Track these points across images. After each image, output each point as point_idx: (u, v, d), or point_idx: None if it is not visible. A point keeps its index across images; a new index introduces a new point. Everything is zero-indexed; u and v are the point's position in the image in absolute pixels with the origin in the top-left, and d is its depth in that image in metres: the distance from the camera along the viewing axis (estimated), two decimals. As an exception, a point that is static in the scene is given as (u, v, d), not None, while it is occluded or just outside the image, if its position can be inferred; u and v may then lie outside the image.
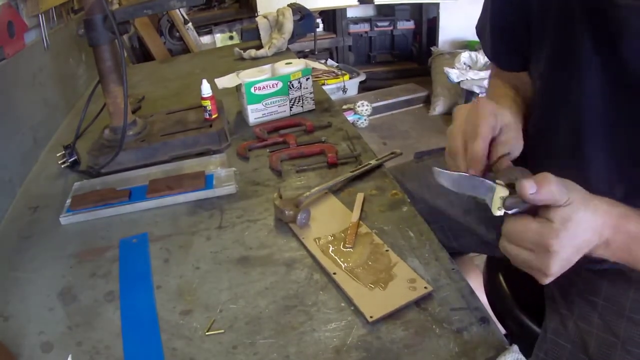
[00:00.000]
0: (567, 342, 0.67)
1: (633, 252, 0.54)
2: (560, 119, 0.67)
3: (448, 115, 3.31)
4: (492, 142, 0.63)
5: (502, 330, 0.83)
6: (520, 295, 0.89)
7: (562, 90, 0.65)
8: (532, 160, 0.76)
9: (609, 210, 0.53)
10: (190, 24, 2.60)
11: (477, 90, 2.89)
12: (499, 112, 0.64)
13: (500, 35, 0.80)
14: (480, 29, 0.85)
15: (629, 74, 0.55)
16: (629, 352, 0.61)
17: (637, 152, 0.60)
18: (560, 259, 0.52)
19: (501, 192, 0.55)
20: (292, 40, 1.76)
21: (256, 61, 1.68)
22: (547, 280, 0.54)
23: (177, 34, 2.53)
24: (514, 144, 0.65)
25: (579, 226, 0.51)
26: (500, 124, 0.64)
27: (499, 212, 0.54)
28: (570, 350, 0.66)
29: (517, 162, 0.80)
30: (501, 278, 0.94)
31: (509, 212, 0.54)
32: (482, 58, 3.05)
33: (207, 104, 1.09)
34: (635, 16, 0.52)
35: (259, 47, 1.77)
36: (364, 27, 3.89)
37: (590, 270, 0.69)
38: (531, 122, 0.78)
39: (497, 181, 0.56)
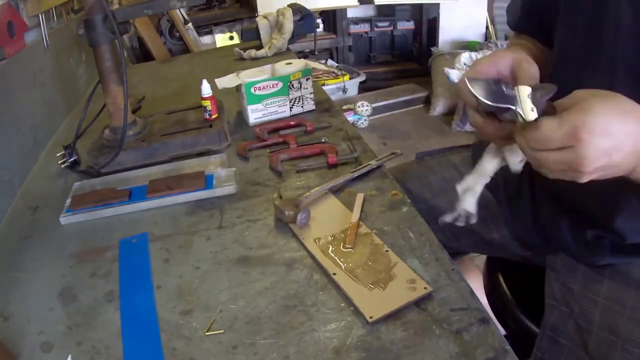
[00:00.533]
0: (566, 341, 0.67)
1: None
2: (591, 81, 0.64)
3: (448, 115, 3.31)
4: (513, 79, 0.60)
5: (502, 331, 0.83)
6: (520, 295, 0.89)
7: (592, 53, 0.63)
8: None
9: None
10: (190, 24, 2.60)
11: (477, 90, 2.88)
12: (509, 52, 0.62)
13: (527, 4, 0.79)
14: (511, 5, 0.86)
15: None
16: (628, 352, 0.61)
17: None
18: (595, 147, 0.47)
19: (526, 90, 0.53)
20: (292, 40, 1.76)
21: (256, 61, 1.68)
22: (586, 178, 0.49)
23: (177, 34, 2.53)
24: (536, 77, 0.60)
25: (609, 112, 0.47)
26: (513, 58, 0.61)
27: (533, 115, 0.52)
28: (569, 349, 0.66)
29: None
30: (501, 278, 0.94)
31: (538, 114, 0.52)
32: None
33: (207, 104, 1.09)
34: None
35: (259, 47, 1.77)
36: (364, 28, 3.90)
37: (591, 267, 0.69)
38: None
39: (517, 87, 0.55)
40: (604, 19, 0.60)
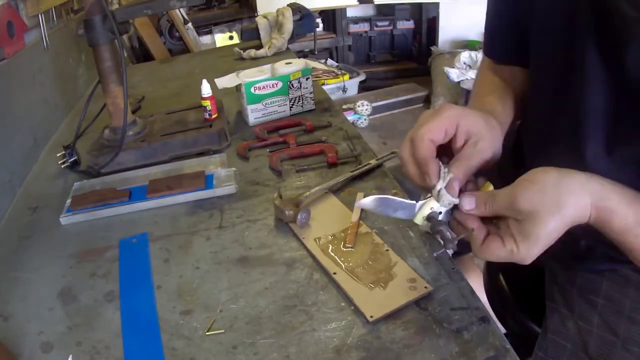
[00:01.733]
0: (567, 342, 0.67)
1: (613, 239, 0.52)
2: (560, 120, 0.66)
3: (448, 115, 3.30)
4: (455, 147, 0.60)
5: (503, 330, 0.83)
6: (520, 295, 0.89)
7: (562, 91, 0.64)
8: (529, 155, 0.77)
9: (594, 203, 0.50)
10: (190, 24, 2.60)
11: (477, 89, 2.89)
12: (463, 116, 0.59)
13: (498, 32, 0.80)
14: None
15: (632, 82, 0.55)
16: (628, 351, 0.61)
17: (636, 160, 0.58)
18: (537, 253, 0.51)
19: (427, 209, 0.57)
20: (292, 40, 1.76)
21: (256, 61, 1.68)
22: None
23: (177, 34, 2.53)
24: (485, 154, 0.59)
25: (550, 233, 0.50)
26: (466, 130, 0.59)
27: (423, 223, 0.57)
28: (570, 350, 0.66)
29: (512, 155, 0.80)
30: (501, 278, 0.94)
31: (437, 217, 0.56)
32: (481, 58, 3.04)
33: (207, 104, 1.09)
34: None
35: (259, 47, 1.77)
36: (364, 27, 3.90)
37: (589, 270, 0.69)
38: (528, 118, 0.78)
39: (423, 198, 0.57)
40: (573, 61, 0.60)
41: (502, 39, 0.80)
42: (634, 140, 0.57)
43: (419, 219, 0.58)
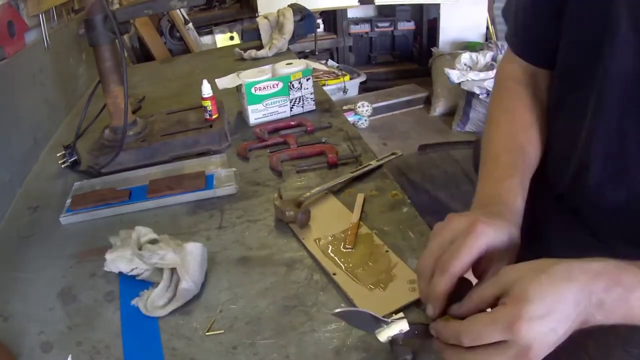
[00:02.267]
0: (568, 342, 0.67)
1: (634, 307, 0.44)
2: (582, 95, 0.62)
3: (449, 116, 3.31)
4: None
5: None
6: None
7: (586, 76, 0.62)
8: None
9: (588, 267, 0.45)
10: (190, 24, 2.60)
11: (477, 91, 2.89)
12: (493, 236, 0.53)
13: (525, 20, 0.72)
14: (505, 10, 0.79)
15: None
16: (628, 353, 0.61)
17: None
18: (538, 343, 0.43)
19: (395, 329, 0.51)
20: (292, 40, 1.76)
21: (257, 61, 1.68)
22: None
23: (178, 34, 2.53)
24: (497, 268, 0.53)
25: (545, 296, 0.43)
26: (490, 258, 0.53)
27: (385, 341, 0.51)
28: (570, 351, 0.66)
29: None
30: None
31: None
32: (482, 59, 3.05)
33: (208, 104, 1.09)
34: None
35: (260, 47, 1.77)
36: (365, 28, 3.90)
37: None
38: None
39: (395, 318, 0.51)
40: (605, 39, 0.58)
41: (542, 32, 0.70)
42: None
43: (382, 337, 0.52)
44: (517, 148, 0.69)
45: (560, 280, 0.44)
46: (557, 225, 0.73)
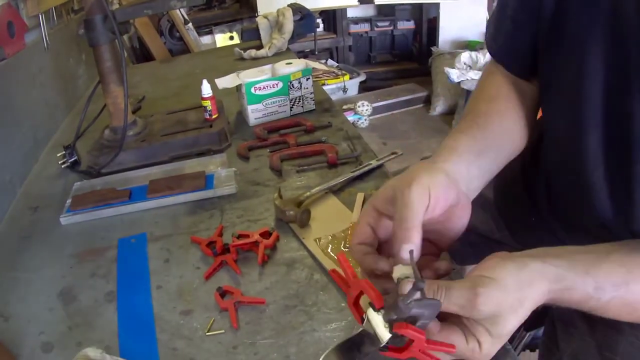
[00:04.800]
0: (574, 328, 0.67)
1: (573, 306, 0.50)
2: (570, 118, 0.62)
3: (448, 115, 3.31)
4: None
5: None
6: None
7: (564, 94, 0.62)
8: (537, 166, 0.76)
9: (549, 287, 0.47)
10: (190, 24, 2.60)
11: (477, 90, 2.89)
12: (374, 196, 0.54)
13: (509, 29, 0.69)
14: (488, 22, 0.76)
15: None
16: (637, 337, 0.61)
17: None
18: (496, 350, 0.47)
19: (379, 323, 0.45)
20: (292, 40, 1.77)
21: (256, 61, 1.68)
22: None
23: (177, 34, 2.53)
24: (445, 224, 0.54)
25: (514, 325, 0.46)
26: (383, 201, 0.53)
27: (387, 336, 0.44)
28: (579, 336, 0.66)
29: (516, 175, 0.77)
30: None
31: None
32: (482, 58, 3.05)
33: (208, 104, 1.09)
34: None
35: (259, 47, 1.77)
36: (364, 27, 3.90)
37: None
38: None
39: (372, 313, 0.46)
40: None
41: (525, 46, 0.66)
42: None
43: (383, 333, 0.45)
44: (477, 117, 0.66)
45: (525, 312, 0.47)
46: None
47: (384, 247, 0.56)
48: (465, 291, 0.45)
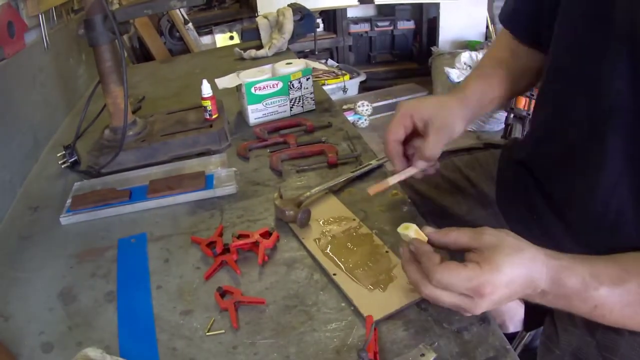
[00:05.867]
0: (576, 328, 0.67)
1: (574, 306, 0.53)
2: (576, 115, 0.65)
3: (448, 115, 3.30)
4: (419, 136, 0.73)
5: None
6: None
7: (581, 82, 0.63)
8: (537, 165, 0.77)
9: (547, 262, 0.52)
10: (190, 24, 2.60)
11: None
12: (414, 108, 0.73)
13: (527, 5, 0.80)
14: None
15: None
16: (636, 340, 0.61)
17: None
18: (491, 302, 0.51)
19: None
20: (292, 40, 1.76)
21: (256, 61, 1.68)
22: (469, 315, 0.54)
23: (177, 34, 2.53)
24: (442, 131, 0.71)
25: (512, 271, 0.51)
26: (420, 118, 0.72)
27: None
28: (578, 335, 0.66)
29: (518, 167, 0.80)
30: None
31: None
32: (481, 58, 3.05)
33: (208, 104, 1.09)
34: None
35: (259, 47, 1.77)
36: (364, 27, 3.89)
37: None
38: (538, 122, 0.78)
39: None
40: (597, 46, 0.60)
41: (529, 15, 0.79)
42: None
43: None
44: (483, 68, 0.86)
45: (526, 263, 0.51)
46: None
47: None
48: (472, 229, 0.55)
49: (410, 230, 0.58)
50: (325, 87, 3.29)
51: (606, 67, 0.59)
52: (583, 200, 0.66)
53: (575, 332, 0.66)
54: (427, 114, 0.72)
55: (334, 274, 0.67)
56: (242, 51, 1.73)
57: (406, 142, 0.75)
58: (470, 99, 0.78)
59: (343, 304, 0.63)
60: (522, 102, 2.64)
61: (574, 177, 0.68)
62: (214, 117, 1.10)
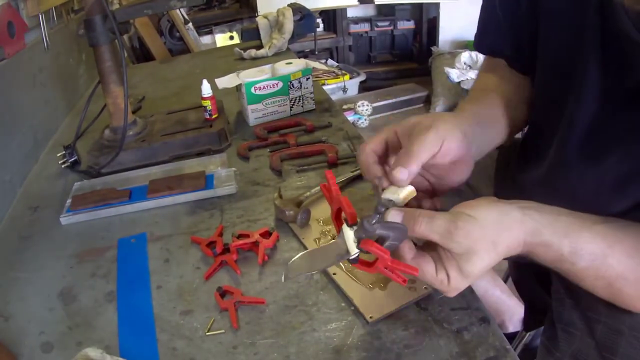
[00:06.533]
0: (576, 330, 0.67)
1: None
2: (551, 131, 0.66)
3: (448, 115, 3.30)
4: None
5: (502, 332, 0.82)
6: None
7: (558, 100, 0.64)
8: (521, 169, 0.77)
9: (525, 242, 0.51)
10: (190, 24, 2.60)
11: (477, 90, 2.89)
12: (400, 124, 0.61)
13: (493, 22, 0.77)
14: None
15: (629, 99, 0.54)
16: (636, 338, 0.61)
17: (624, 173, 0.57)
18: (464, 287, 0.51)
19: (351, 235, 0.52)
20: (292, 40, 1.76)
21: (256, 61, 1.68)
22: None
23: (178, 34, 2.53)
24: (432, 132, 0.58)
25: (480, 269, 0.50)
26: (405, 127, 0.60)
27: (355, 251, 0.51)
28: (578, 335, 0.66)
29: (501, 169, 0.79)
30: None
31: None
32: (482, 58, 3.05)
33: (208, 104, 1.09)
34: None
35: (259, 47, 1.77)
36: (364, 27, 3.89)
37: None
38: (529, 130, 0.79)
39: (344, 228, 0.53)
40: (574, 69, 0.60)
41: (496, 30, 0.78)
42: (611, 152, 0.57)
43: (352, 248, 0.52)
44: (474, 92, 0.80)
45: (501, 253, 0.50)
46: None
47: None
48: (445, 222, 0.49)
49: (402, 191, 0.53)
50: (325, 87, 3.29)
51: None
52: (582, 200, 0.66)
53: (575, 333, 0.66)
54: (413, 122, 0.60)
55: (334, 274, 0.67)
56: (242, 51, 1.73)
57: (386, 161, 0.64)
58: (462, 116, 0.67)
59: (343, 304, 0.63)
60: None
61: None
62: (214, 117, 1.10)
